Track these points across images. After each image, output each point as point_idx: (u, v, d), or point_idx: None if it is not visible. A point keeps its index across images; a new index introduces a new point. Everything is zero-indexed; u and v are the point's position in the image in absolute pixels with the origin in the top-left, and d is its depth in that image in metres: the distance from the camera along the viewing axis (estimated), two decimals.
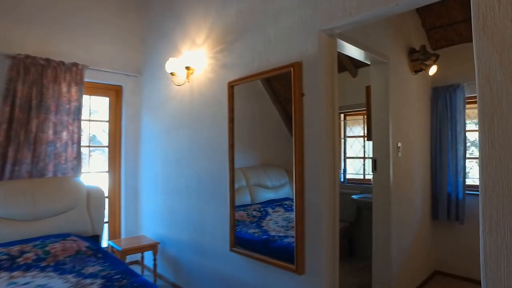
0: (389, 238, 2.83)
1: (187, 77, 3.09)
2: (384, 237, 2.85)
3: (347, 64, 4.36)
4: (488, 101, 1.40)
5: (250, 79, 2.54)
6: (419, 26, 3.64)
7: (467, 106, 3.61)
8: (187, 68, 3.01)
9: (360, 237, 4.11)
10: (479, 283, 1.14)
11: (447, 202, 3.55)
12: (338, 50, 2.44)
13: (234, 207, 2.71)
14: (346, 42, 2.33)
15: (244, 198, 2.92)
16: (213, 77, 2.94)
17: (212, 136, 2.94)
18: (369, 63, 2.94)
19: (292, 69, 2.19)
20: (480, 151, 1.42)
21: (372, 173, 2.92)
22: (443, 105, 3.62)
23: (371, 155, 4.26)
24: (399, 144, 2.96)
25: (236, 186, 2.80)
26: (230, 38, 2.76)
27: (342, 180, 4.52)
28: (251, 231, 2.70)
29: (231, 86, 2.69)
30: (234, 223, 2.70)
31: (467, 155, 3.58)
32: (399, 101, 3.04)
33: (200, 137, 3.07)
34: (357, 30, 2.44)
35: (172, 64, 3.08)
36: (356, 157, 4.54)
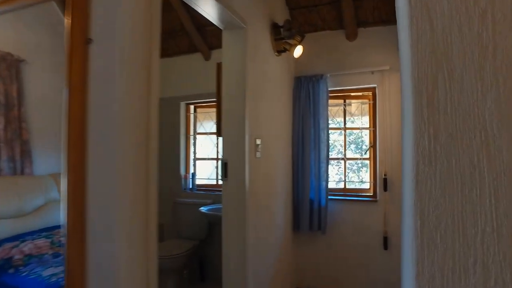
0: (244, 259, 2.06)
1: None
2: (238, 259, 2.06)
3: (198, 43, 3.50)
4: (427, 51, 0.64)
5: None
6: (284, 4, 3.07)
7: (331, 100, 3.24)
8: None
9: (214, 257, 3.29)
10: None
11: (310, 210, 3.07)
12: None
13: None
14: None
15: None
16: None
17: None
18: (221, 27, 2.11)
19: None
20: (414, 149, 0.64)
21: (222, 181, 2.08)
22: (306, 97, 3.14)
23: None
24: (258, 142, 2.23)
25: None
26: None
27: (190, 187, 3.63)
28: None
29: None
30: None
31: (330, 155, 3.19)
32: (259, 86, 2.32)
33: None
34: None
35: None
36: (208, 159, 3.72)
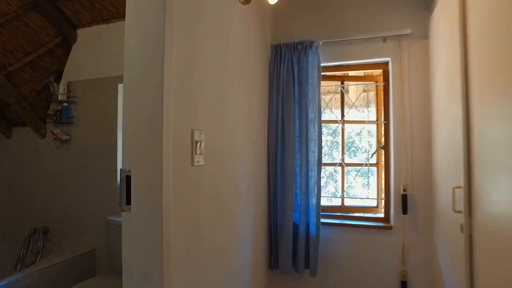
0: None
1: None
2: None
3: None
4: None
5: None
6: None
7: (323, 82, 2.26)
8: None
9: None
10: None
11: (293, 240, 2.09)
12: None
13: None
14: None
15: None
16: None
17: None
18: None
19: None
20: None
21: (121, 211, 1.06)
22: (288, 75, 2.15)
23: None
24: (199, 137, 1.22)
25: None
26: None
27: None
28: None
29: None
30: None
31: (323, 160, 2.21)
32: (202, 47, 1.31)
33: None
34: None
35: None
36: None
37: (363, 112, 2.73)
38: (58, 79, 2.88)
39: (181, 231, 1.11)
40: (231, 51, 1.58)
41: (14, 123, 3.08)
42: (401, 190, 2.00)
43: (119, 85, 2.70)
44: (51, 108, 2.85)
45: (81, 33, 2.85)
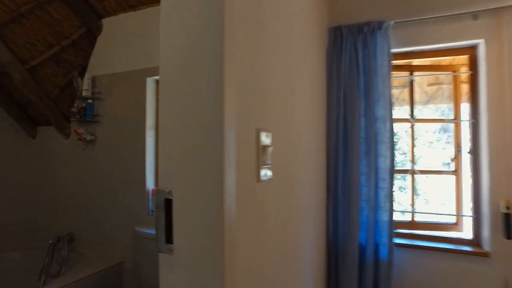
0: None
1: None
2: None
3: None
4: None
5: None
6: None
7: (394, 72, 1.84)
8: None
9: None
10: None
11: (359, 266, 1.69)
12: None
13: None
14: None
15: None
16: None
17: None
18: None
19: None
20: None
21: (159, 251, 0.71)
22: (351, 64, 1.76)
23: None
24: (266, 140, 0.86)
25: None
26: None
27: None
28: None
29: None
30: None
31: (396, 166, 1.79)
32: (265, 16, 0.94)
33: None
34: None
35: None
36: None
37: (429, 108, 2.32)
38: (82, 73, 2.62)
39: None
40: (293, 30, 1.21)
41: (39, 122, 2.86)
42: (502, 208, 1.56)
43: (147, 78, 2.40)
44: (75, 105, 2.59)
45: (107, 22, 2.57)
